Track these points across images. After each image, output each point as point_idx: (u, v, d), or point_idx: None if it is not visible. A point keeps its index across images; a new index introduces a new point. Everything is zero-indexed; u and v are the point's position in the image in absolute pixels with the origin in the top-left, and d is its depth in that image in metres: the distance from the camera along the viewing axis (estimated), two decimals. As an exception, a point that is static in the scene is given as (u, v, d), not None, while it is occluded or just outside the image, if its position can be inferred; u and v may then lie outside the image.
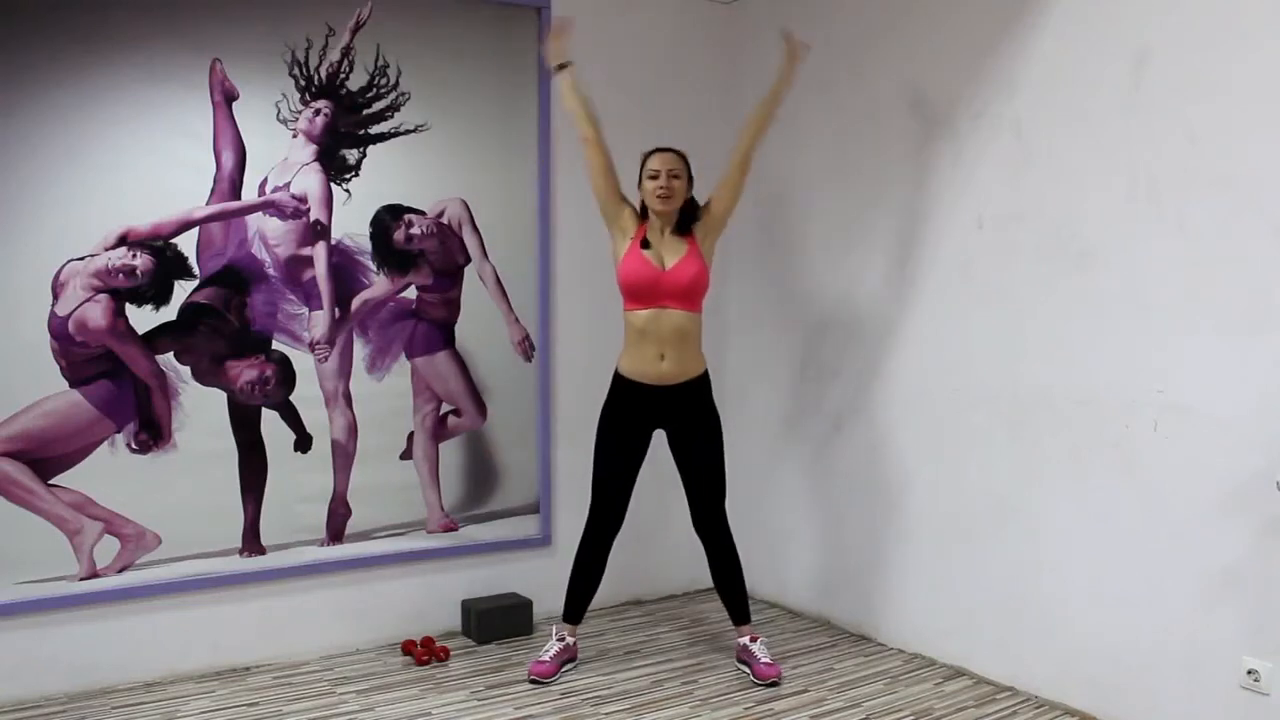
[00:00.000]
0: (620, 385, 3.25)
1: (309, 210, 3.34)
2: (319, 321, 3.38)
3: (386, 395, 3.51)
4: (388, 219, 3.47)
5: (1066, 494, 2.99)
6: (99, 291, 3.04)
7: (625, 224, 3.21)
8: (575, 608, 3.34)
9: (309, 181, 3.34)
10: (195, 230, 3.17)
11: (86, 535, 3.07)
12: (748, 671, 3.28)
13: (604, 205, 3.22)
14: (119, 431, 3.10)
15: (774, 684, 3.20)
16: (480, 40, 3.61)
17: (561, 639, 3.31)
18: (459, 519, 3.68)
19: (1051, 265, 3.01)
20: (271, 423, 3.33)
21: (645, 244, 3.16)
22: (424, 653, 3.37)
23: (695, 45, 4.10)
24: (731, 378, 4.17)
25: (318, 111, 3.33)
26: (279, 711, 2.97)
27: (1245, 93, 2.55)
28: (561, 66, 3.20)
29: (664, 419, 3.25)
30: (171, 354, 3.16)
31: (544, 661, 3.24)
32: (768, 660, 3.26)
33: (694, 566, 3.86)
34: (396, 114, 3.46)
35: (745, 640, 3.31)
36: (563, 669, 3.28)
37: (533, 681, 3.19)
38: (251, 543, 3.31)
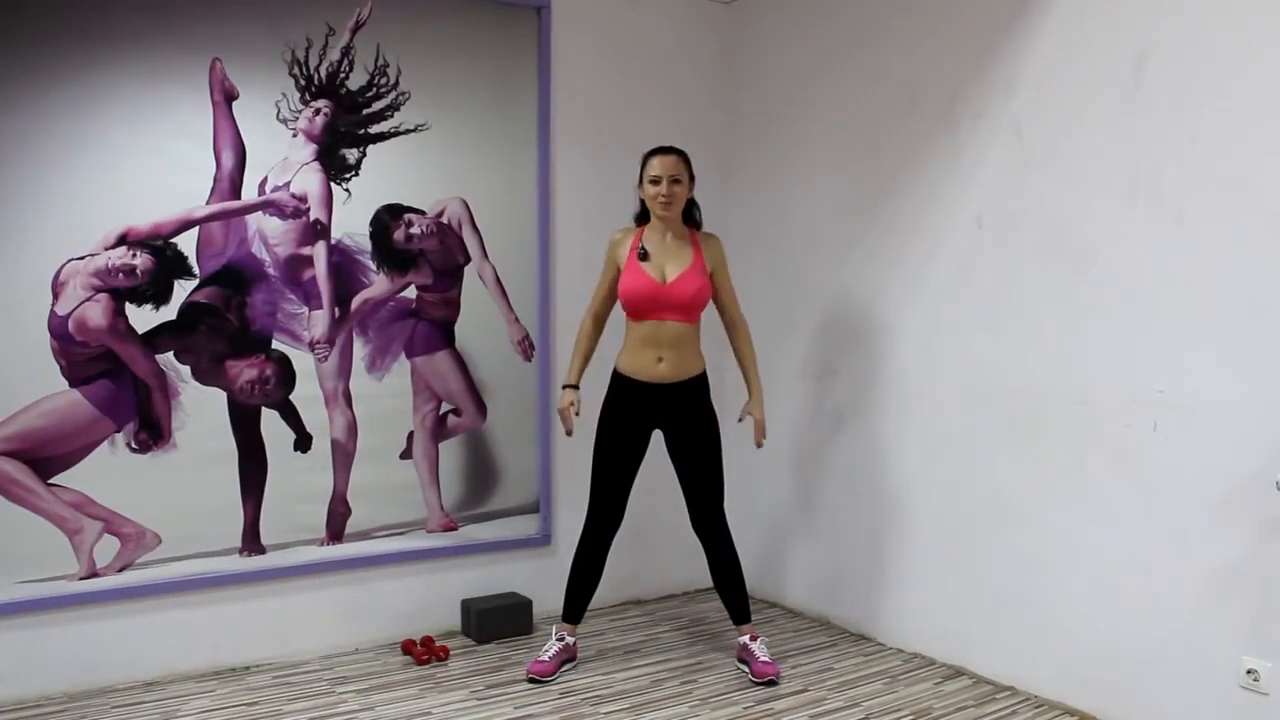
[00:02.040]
0: (619, 383, 3.26)
1: (309, 210, 3.34)
2: (319, 321, 3.38)
3: (386, 395, 3.51)
4: (387, 218, 3.47)
5: (1066, 493, 2.99)
6: (99, 291, 3.04)
7: (621, 256, 3.25)
8: (575, 607, 3.34)
9: (309, 181, 3.34)
10: (195, 230, 3.17)
11: (86, 534, 3.07)
12: (746, 670, 3.28)
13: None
14: (119, 431, 3.10)
15: (772, 683, 3.20)
16: (480, 40, 3.61)
17: (561, 639, 3.31)
18: (459, 518, 3.68)
19: (1051, 265, 3.01)
20: (271, 422, 3.33)
21: (643, 255, 3.17)
22: (424, 652, 3.37)
23: (695, 44, 4.10)
24: (732, 377, 4.16)
25: (318, 111, 3.33)
26: (278, 711, 2.97)
27: (1245, 93, 2.55)
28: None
29: (662, 418, 3.25)
30: (171, 353, 3.16)
31: (543, 661, 3.24)
32: (766, 659, 3.26)
33: (694, 566, 3.86)
34: (396, 113, 3.46)
35: (745, 639, 3.31)
36: (562, 669, 3.28)
37: (531, 681, 3.19)
38: (251, 542, 3.31)
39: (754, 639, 3.31)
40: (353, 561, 3.48)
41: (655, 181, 3.15)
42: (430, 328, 3.59)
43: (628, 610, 3.99)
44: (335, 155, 3.37)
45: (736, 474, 4.16)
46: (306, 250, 3.35)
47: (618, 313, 3.28)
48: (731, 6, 4.16)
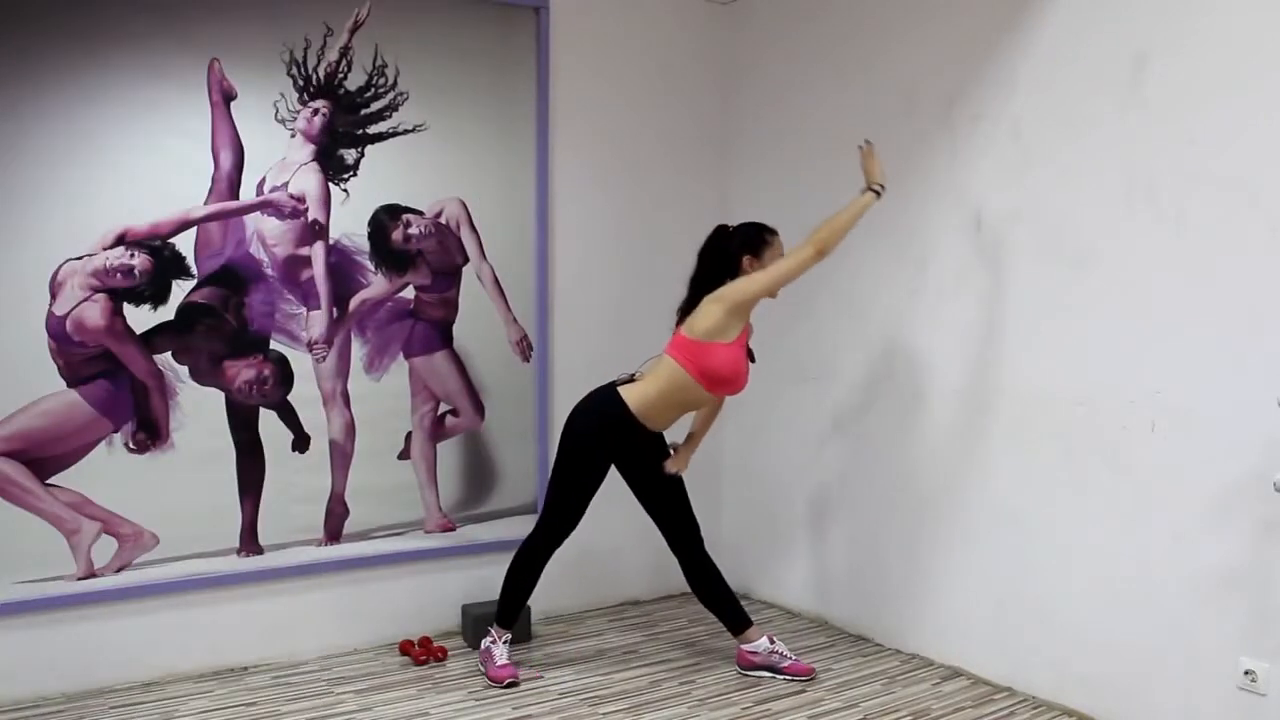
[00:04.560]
0: (620, 415, 3.13)
1: (307, 210, 3.34)
2: (317, 321, 3.38)
3: (384, 395, 3.51)
4: (386, 219, 3.47)
5: (1064, 494, 2.99)
6: (97, 291, 3.04)
7: (746, 318, 3.12)
8: (514, 613, 3.29)
9: (307, 181, 3.34)
10: (193, 230, 3.17)
11: (84, 535, 3.06)
12: (774, 675, 3.25)
13: (754, 302, 3.08)
14: (117, 431, 3.09)
15: (813, 678, 3.23)
16: (479, 40, 3.61)
17: (507, 641, 3.27)
18: (457, 519, 3.68)
19: (1050, 266, 3.01)
20: (269, 422, 3.33)
21: (751, 356, 3.16)
22: (422, 653, 3.37)
23: (695, 44, 4.10)
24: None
25: (316, 111, 3.33)
26: (277, 712, 2.97)
27: (1245, 93, 2.54)
28: (877, 190, 3.09)
29: (631, 449, 3.21)
30: (169, 354, 3.16)
31: (507, 665, 3.20)
32: (795, 656, 3.29)
33: (692, 567, 3.85)
34: (395, 114, 3.46)
35: (764, 641, 3.27)
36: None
37: (508, 685, 3.15)
38: (249, 543, 3.31)
39: (773, 639, 3.29)
40: (351, 562, 3.47)
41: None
42: (428, 328, 3.59)
43: (626, 611, 3.98)
44: (333, 155, 3.37)
45: (735, 475, 4.16)
46: (304, 250, 3.35)
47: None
48: (731, 6, 4.16)
